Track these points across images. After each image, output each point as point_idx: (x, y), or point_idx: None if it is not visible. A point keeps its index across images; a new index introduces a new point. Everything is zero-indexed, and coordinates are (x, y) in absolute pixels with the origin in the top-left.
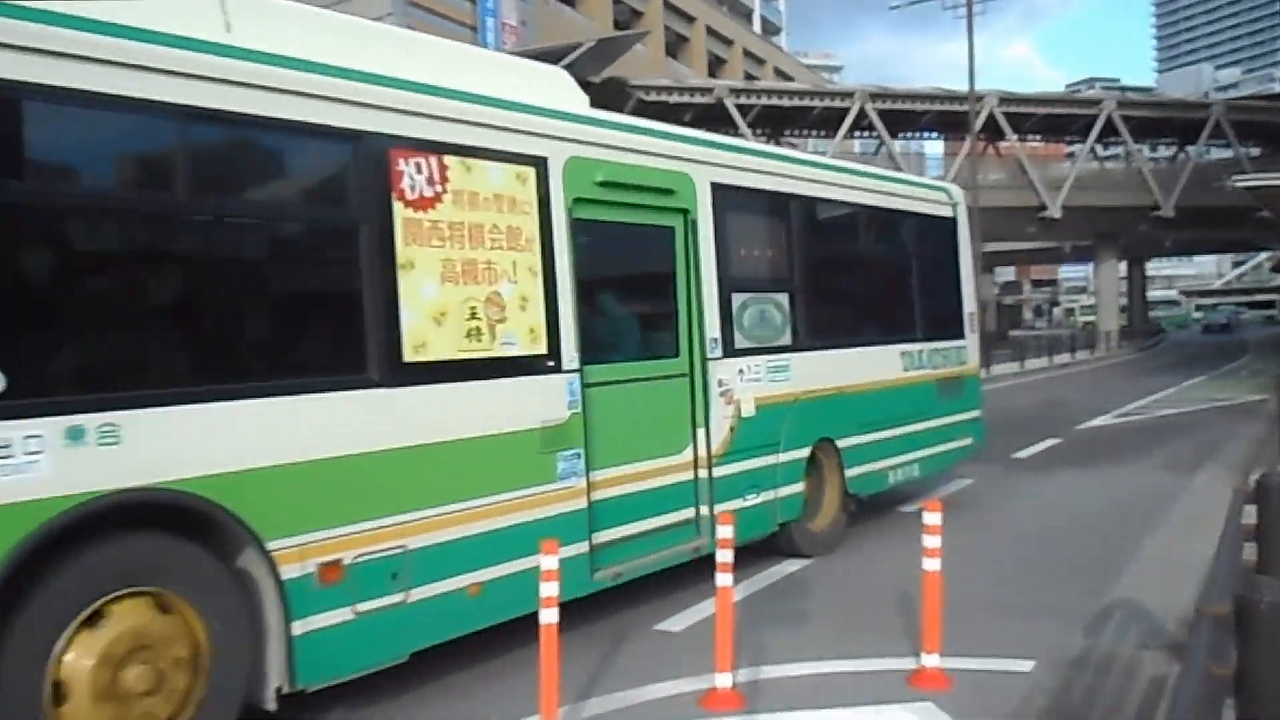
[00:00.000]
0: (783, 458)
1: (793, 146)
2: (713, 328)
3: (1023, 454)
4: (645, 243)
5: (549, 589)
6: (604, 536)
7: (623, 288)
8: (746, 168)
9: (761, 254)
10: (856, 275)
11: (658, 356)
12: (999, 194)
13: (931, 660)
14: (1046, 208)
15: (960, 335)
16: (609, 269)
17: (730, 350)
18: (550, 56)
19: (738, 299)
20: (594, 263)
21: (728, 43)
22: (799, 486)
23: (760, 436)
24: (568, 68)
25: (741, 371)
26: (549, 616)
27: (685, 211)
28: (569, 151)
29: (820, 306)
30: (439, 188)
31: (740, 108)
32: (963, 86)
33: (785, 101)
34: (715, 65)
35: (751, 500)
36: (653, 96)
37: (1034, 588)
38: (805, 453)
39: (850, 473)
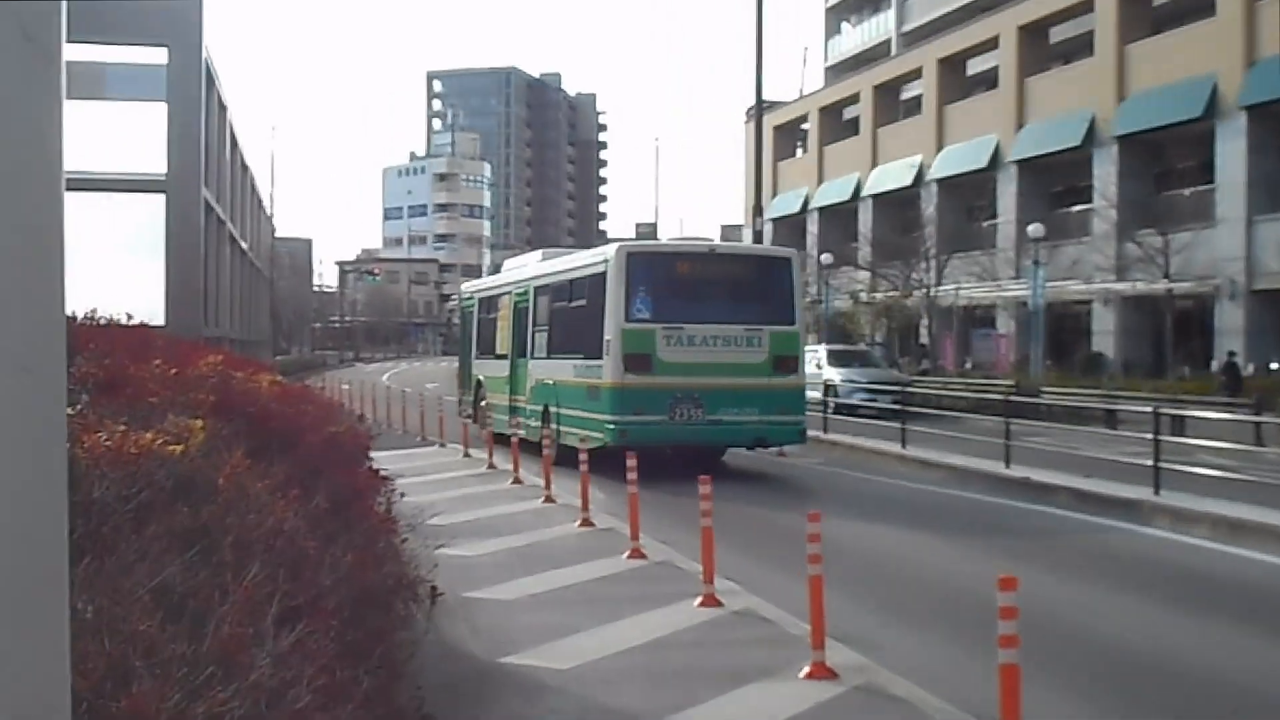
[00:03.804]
0: (534, 408)
1: None
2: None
3: None
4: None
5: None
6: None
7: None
8: (506, 285)
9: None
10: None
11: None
12: None
13: None
14: None
15: (599, 357)
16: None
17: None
18: None
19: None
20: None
21: None
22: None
23: (539, 395)
24: None
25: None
26: None
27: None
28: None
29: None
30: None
31: None
32: None
33: None
34: None
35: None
36: None
37: None
38: (540, 408)
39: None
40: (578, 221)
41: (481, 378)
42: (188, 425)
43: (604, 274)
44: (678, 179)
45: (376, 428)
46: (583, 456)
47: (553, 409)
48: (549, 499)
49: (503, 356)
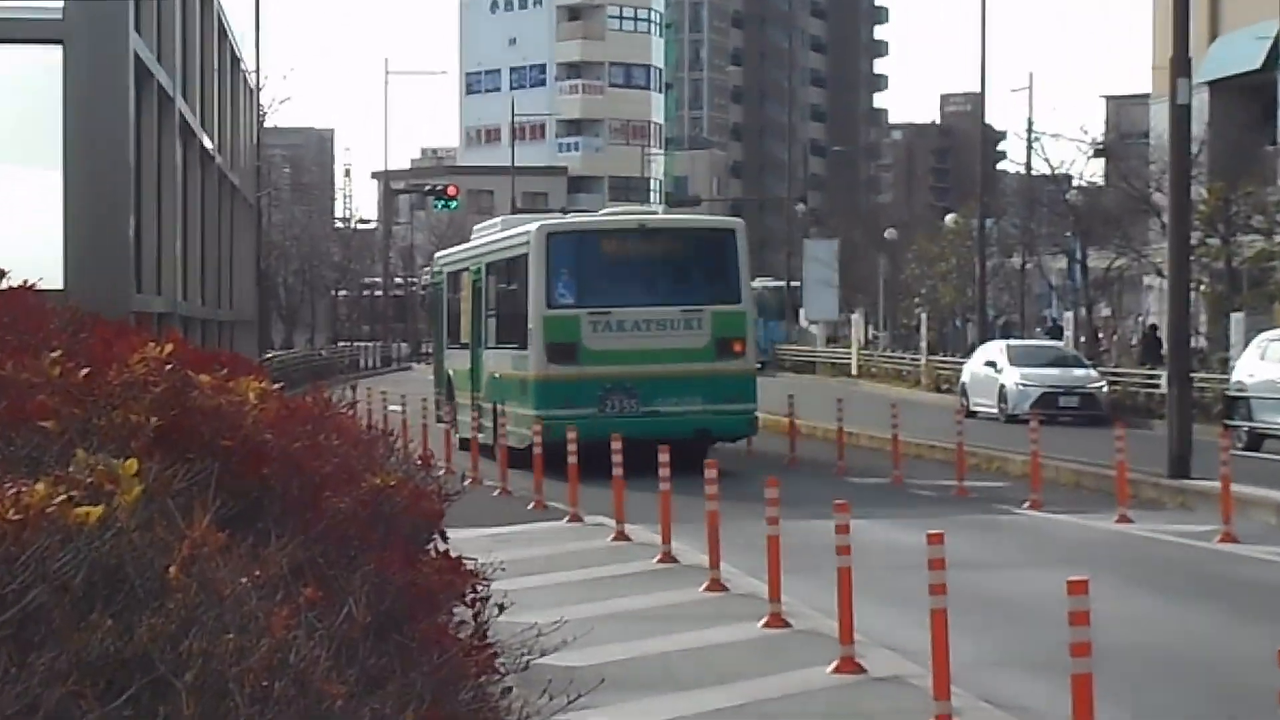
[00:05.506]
0: (488, 406)
1: None
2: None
3: None
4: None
5: None
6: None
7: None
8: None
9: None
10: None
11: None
12: None
13: None
14: None
15: (525, 347)
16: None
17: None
18: None
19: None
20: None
21: None
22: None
23: (490, 390)
24: None
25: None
26: None
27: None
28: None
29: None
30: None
31: None
32: None
33: None
34: None
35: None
36: None
37: None
38: (492, 406)
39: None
40: (830, 92)
41: (452, 372)
42: (111, 470)
43: (527, 255)
44: (1021, 11)
45: (455, 482)
46: (839, 541)
47: (500, 406)
48: (777, 620)
49: (465, 346)
